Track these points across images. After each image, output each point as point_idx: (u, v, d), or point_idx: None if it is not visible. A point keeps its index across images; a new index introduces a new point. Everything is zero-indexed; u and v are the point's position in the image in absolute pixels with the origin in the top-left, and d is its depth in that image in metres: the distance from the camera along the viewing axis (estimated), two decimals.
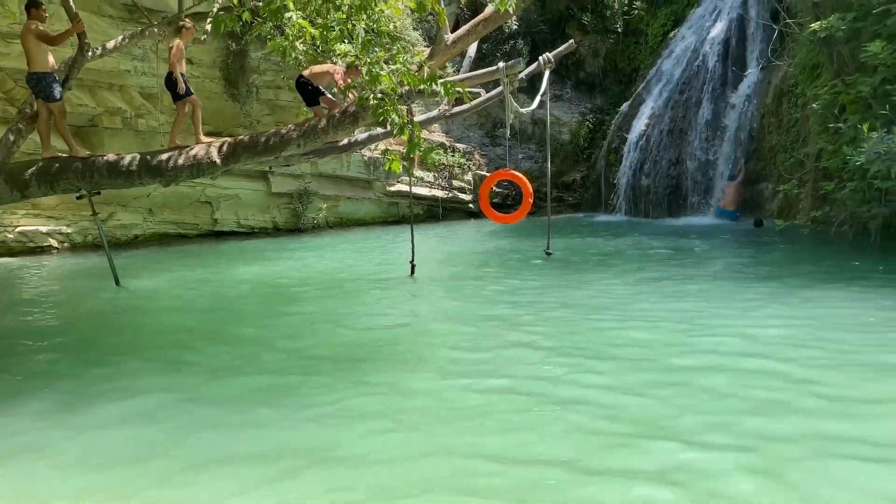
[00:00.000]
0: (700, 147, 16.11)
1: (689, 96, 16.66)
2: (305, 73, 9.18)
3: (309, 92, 9.01)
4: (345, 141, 9.75)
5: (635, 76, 19.05)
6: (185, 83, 8.79)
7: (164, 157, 7.66)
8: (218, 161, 7.68)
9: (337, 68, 9.03)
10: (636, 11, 18.66)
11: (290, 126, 7.93)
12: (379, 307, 7.63)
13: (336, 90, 9.11)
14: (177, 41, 8.71)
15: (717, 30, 16.75)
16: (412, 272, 9.40)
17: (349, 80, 8.41)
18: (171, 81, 8.72)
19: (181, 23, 9.03)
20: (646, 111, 17.31)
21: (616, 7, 18.58)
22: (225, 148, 7.77)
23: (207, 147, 7.82)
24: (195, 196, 14.85)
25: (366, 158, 16.72)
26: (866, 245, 10.53)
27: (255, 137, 7.98)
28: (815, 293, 7.61)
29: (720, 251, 11.51)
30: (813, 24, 10.95)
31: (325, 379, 4.97)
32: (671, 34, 18.26)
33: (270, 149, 7.84)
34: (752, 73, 15.80)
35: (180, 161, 7.66)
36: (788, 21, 13.05)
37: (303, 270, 10.51)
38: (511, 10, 5.73)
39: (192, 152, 7.74)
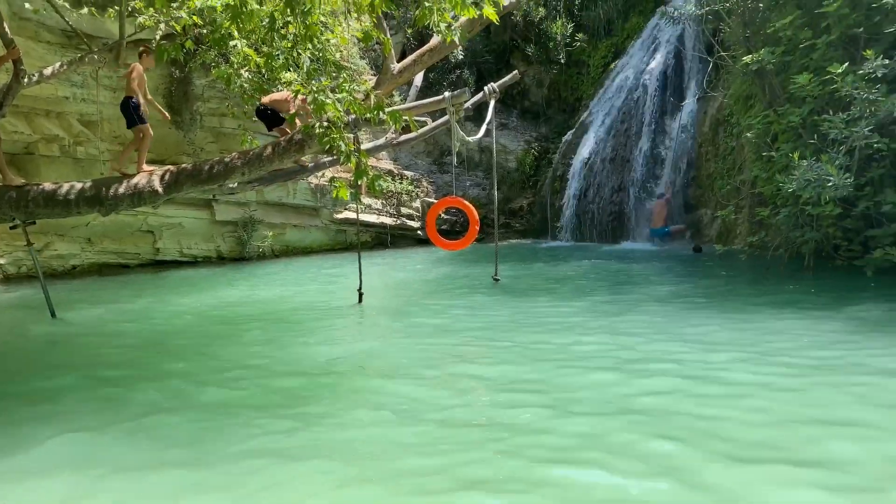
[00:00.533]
0: (641, 175, 16.54)
1: (630, 125, 17.13)
2: (265, 99, 9.19)
3: (269, 118, 9.04)
4: (291, 168, 9.70)
5: (578, 105, 19.50)
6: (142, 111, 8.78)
7: (104, 186, 7.48)
8: (160, 190, 7.55)
9: (289, 96, 9.06)
10: (578, 43, 19.16)
11: (234, 154, 7.85)
12: (324, 337, 7.55)
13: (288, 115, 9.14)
14: (136, 66, 8.65)
15: (656, 62, 17.31)
16: (359, 300, 9.34)
17: (305, 106, 8.45)
18: (128, 106, 8.64)
19: (141, 48, 8.99)
20: (589, 140, 17.71)
21: (559, 39, 19.04)
22: (167, 176, 7.64)
23: (149, 175, 7.68)
24: (136, 225, 14.50)
25: (312, 186, 16.62)
26: (800, 268, 10.92)
27: (198, 166, 7.86)
28: (752, 316, 7.84)
29: (661, 276, 11.78)
30: (745, 58, 11.42)
31: (259, 413, 4.88)
32: (612, 65, 18.78)
33: (214, 177, 7.74)
34: (690, 104, 16.35)
35: (121, 190, 7.50)
36: (722, 54, 13.59)
37: (247, 300, 10.34)
38: (456, 41, 5.83)
39: (133, 181, 7.59)
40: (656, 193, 16.05)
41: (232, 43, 7.40)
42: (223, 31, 7.13)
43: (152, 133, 9.09)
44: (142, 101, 8.75)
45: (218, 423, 4.67)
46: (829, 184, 8.91)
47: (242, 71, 7.40)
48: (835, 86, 9.62)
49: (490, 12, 5.66)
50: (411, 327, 7.98)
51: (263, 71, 7.92)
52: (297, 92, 6.59)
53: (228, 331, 8.06)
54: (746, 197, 13.62)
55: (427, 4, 5.32)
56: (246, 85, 8.74)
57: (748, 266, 11.87)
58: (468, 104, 9.37)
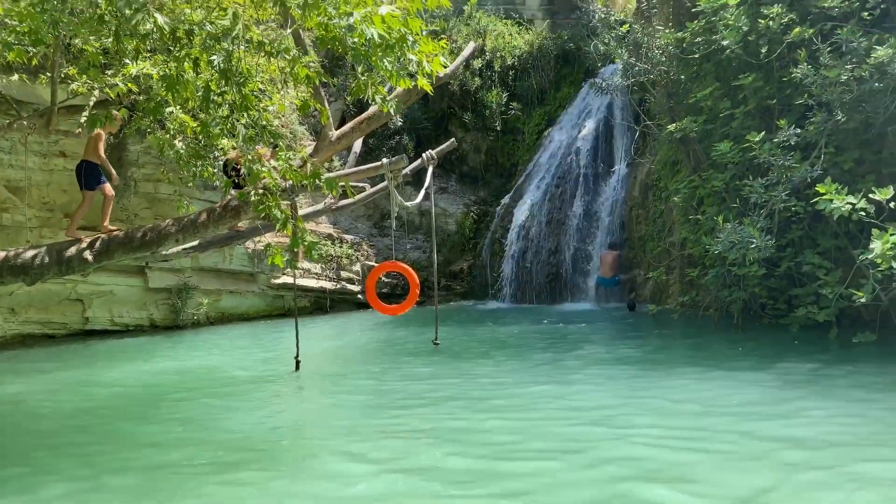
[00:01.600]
0: (576, 237, 16.96)
1: (564, 189, 17.64)
2: (231, 155, 9.21)
3: (233, 174, 9.10)
4: (226, 234, 9.60)
5: (515, 170, 19.99)
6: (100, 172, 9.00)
7: (30, 254, 7.25)
8: (90, 258, 7.36)
9: (264, 152, 9.18)
10: (513, 111, 19.79)
11: (168, 221, 7.74)
12: (261, 407, 7.37)
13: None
14: (100, 131, 8.78)
15: (587, 129, 18.00)
16: (297, 368, 9.17)
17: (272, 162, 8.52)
18: (85, 170, 8.84)
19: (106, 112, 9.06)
20: (526, 203, 18.12)
21: (494, 107, 19.63)
22: (98, 244, 7.47)
23: (79, 243, 7.49)
24: (65, 294, 14.00)
25: (249, 251, 16.42)
26: (729, 326, 11.28)
27: (130, 233, 7.72)
28: (683, 377, 8.02)
29: (598, 336, 11.99)
30: (670, 126, 12.01)
31: (190, 487, 4.71)
32: (545, 132, 19.42)
33: (147, 244, 7.60)
34: (620, 169, 16.98)
35: (48, 259, 7.27)
36: (648, 123, 14.23)
37: (180, 370, 10.03)
38: (392, 112, 5.97)
39: (62, 249, 7.38)
40: (607, 243, 16.34)
41: (168, 110, 7.39)
42: (159, 99, 7.13)
43: (111, 192, 9.35)
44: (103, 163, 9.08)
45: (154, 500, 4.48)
46: (753, 245, 9.33)
47: (177, 142, 7.36)
48: (753, 153, 10.17)
49: (424, 84, 5.82)
50: (348, 395, 7.88)
51: (200, 138, 7.91)
52: (275, 146, 6.63)
53: (159, 402, 7.79)
54: (676, 258, 14.09)
55: (363, 78, 5.45)
56: (182, 151, 8.70)
57: (681, 325, 12.19)
58: (406, 170, 9.51)
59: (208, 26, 5.71)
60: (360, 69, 5.45)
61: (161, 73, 6.33)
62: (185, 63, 6.19)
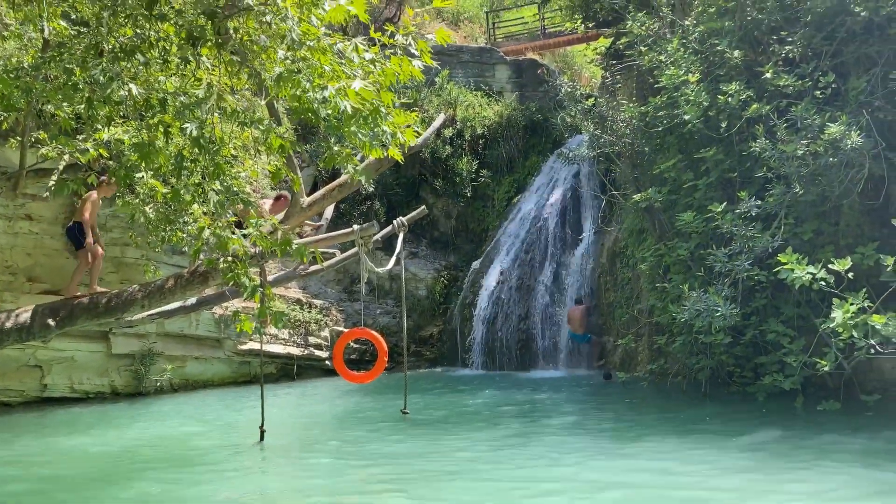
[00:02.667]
0: (546, 303, 17.05)
1: (534, 256, 17.83)
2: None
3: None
4: (193, 300, 9.49)
5: (485, 236, 20.20)
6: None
7: None
8: (52, 324, 7.21)
9: (261, 202, 9.33)
10: (483, 179, 20.13)
11: (134, 287, 7.66)
12: (222, 480, 7.16)
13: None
14: (93, 194, 8.94)
15: (555, 197, 18.34)
16: (261, 438, 8.94)
17: (273, 212, 8.63)
18: (74, 232, 8.93)
19: (102, 178, 9.19)
20: (496, 269, 18.24)
21: (465, 174, 19.96)
22: (61, 310, 7.33)
23: (41, 309, 7.34)
24: (23, 360, 13.59)
25: (216, 316, 16.20)
26: (698, 394, 11.32)
27: (95, 298, 7.62)
28: (650, 448, 7.99)
29: (569, 406, 11.94)
30: (635, 196, 12.29)
31: None
32: (515, 199, 19.75)
33: (112, 310, 7.49)
34: (587, 237, 17.25)
35: (7, 324, 7.11)
36: (614, 192, 14.56)
37: (140, 439, 9.72)
38: (363, 182, 6.05)
39: (21, 315, 7.23)
40: (575, 298, 16.38)
41: (138, 175, 7.40)
42: (129, 164, 7.14)
43: (101, 251, 9.36)
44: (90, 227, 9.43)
45: None
46: (718, 314, 9.47)
47: (147, 208, 7.36)
48: (716, 223, 10.43)
49: (396, 154, 5.94)
50: (312, 469, 7.69)
51: (170, 203, 7.90)
52: (276, 196, 6.66)
53: (114, 475, 7.52)
54: (644, 325, 14.20)
55: (335, 148, 5.54)
56: (152, 215, 8.66)
57: (650, 393, 12.19)
58: (377, 237, 9.57)
59: (182, 96, 5.79)
60: (331, 140, 5.55)
61: (133, 141, 6.37)
62: (158, 130, 6.25)
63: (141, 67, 6.00)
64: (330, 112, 5.54)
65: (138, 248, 14.26)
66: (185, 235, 8.99)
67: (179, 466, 7.88)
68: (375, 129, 5.72)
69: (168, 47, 6.19)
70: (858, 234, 9.95)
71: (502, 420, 10.51)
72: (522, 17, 26.28)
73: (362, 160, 7.91)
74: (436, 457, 8.03)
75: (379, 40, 5.70)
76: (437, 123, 9.89)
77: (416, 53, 5.75)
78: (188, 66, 5.99)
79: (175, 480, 7.12)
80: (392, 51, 5.76)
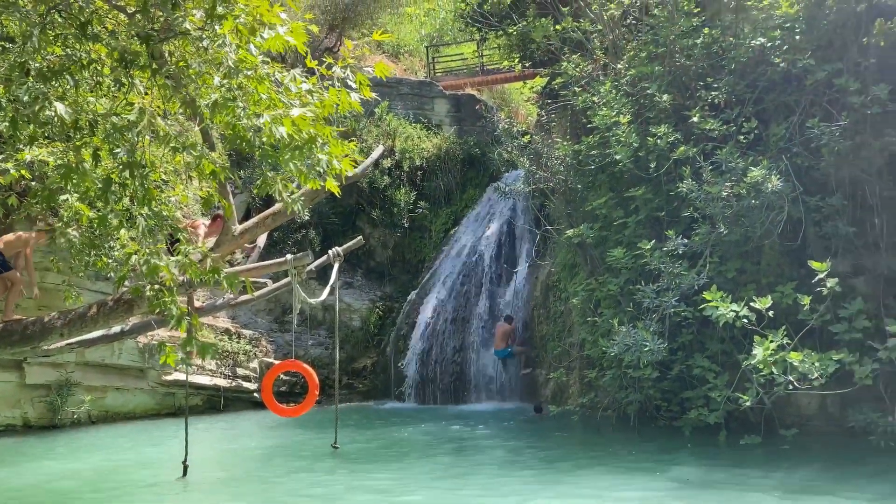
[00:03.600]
0: (480, 336, 17.11)
1: (469, 288, 17.91)
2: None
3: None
4: (116, 329, 9.13)
5: (421, 267, 20.20)
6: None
7: None
8: None
9: (198, 223, 9.11)
10: (420, 210, 20.21)
11: (54, 314, 7.32)
12: None
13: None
14: (32, 235, 8.80)
15: (491, 230, 18.55)
16: (184, 474, 8.60)
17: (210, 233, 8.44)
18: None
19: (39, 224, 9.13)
20: (431, 301, 18.23)
21: (402, 205, 19.99)
22: None
23: None
24: None
25: (140, 345, 15.61)
26: (627, 427, 11.49)
27: (10, 325, 7.24)
28: (577, 482, 8.07)
29: (500, 439, 11.94)
30: (568, 232, 12.54)
31: None
32: (452, 231, 19.87)
33: (28, 339, 7.13)
34: (522, 270, 17.46)
35: None
36: (549, 228, 14.82)
37: (54, 476, 9.22)
38: (298, 210, 5.98)
39: None
40: (504, 316, 16.47)
41: (62, 197, 7.14)
42: (53, 187, 6.90)
43: (20, 277, 9.06)
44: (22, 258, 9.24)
45: None
46: (646, 348, 9.69)
47: (70, 230, 7.09)
48: (645, 260, 10.73)
49: (332, 185, 5.91)
50: None
51: (95, 227, 7.64)
52: (213, 216, 6.49)
53: None
54: (576, 359, 14.39)
55: (270, 174, 5.48)
56: (75, 240, 8.35)
57: (581, 426, 12.32)
58: (311, 267, 9.44)
59: (114, 118, 5.63)
60: (266, 167, 5.48)
61: (58, 162, 6.15)
62: (85, 152, 6.05)
63: (70, 88, 5.83)
64: (265, 140, 5.49)
65: (59, 273, 13.67)
66: (110, 261, 8.71)
67: (97, 502, 7.49)
68: (311, 159, 5.69)
69: (100, 69, 6.04)
70: (779, 273, 10.39)
71: (435, 455, 10.43)
72: (462, 53, 26.74)
73: (299, 187, 7.83)
74: (368, 494, 7.89)
75: (317, 70, 5.71)
76: (375, 154, 9.87)
77: (355, 86, 5.77)
78: (121, 90, 5.85)
79: None
80: (331, 82, 5.77)
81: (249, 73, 5.40)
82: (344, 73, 5.68)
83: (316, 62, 5.63)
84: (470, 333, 17.28)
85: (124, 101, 5.94)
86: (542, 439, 11.60)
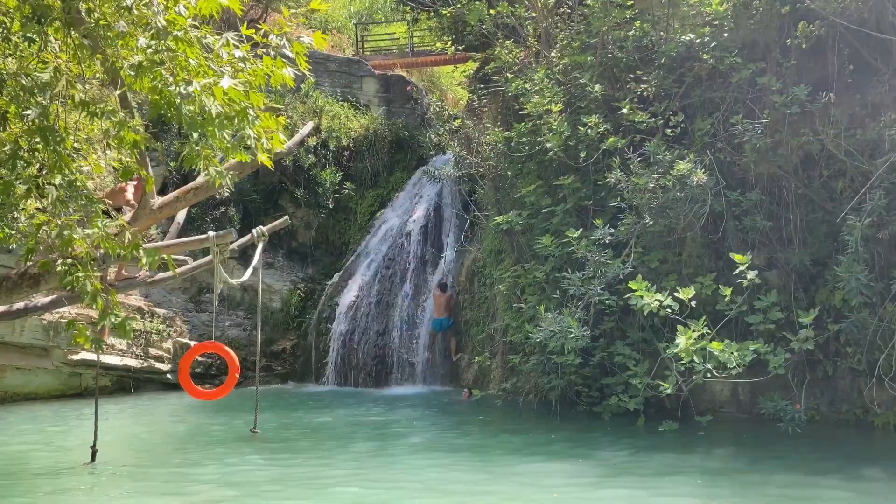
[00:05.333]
0: (404, 320, 17.01)
1: (395, 271, 17.76)
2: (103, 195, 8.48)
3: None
4: (20, 305, 8.54)
5: (345, 249, 19.88)
6: None
7: None
8: None
9: (125, 185, 8.60)
10: (346, 191, 19.85)
11: None
12: None
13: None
14: None
15: (418, 214, 18.41)
16: (92, 458, 8.15)
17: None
18: None
19: None
20: (355, 283, 17.99)
21: (327, 185, 19.58)
22: None
23: None
24: None
25: (45, 322, 14.76)
26: (548, 413, 11.62)
27: None
28: (497, 466, 8.12)
29: (422, 423, 11.91)
30: (497, 218, 12.55)
31: None
32: (378, 214, 19.62)
33: None
34: (449, 255, 17.43)
35: None
36: (477, 213, 14.82)
37: None
38: (226, 185, 5.68)
39: None
40: (440, 283, 16.37)
41: None
42: None
43: None
44: None
45: None
46: (571, 335, 9.80)
47: None
48: (572, 248, 10.85)
49: (265, 159, 5.64)
50: (148, 493, 7.09)
51: None
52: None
53: None
54: (499, 344, 14.49)
55: (196, 147, 5.16)
56: None
57: (503, 411, 12.40)
58: (234, 246, 9.08)
59: (24, 78, 5.18)
60: (193, 138, 5.16)
61: None
62: None
63: None
64: (192, 108, 5.17)
65: None
66: (12, 232, 8.09)
67: None
68: (240, 133, 5.41)
69: (8, 23, 5.55)
70: (699, 264, 10.70)
71: (356, 440, 10.27)
72: (392, 33, 26.36)
73: (223, 161, 7.48)
74: (286, 480, 7.68)
75: (251, 38, 5.42)
76: (304, 131, 9.57)
77: (291, 55, 5.51)
78: (32, 46, 5.39)
79: None
80: (265, 50, 5.48)
81: (178, 34, 5.08)
82: (280, 40, 5.40)
83: (252, 30, 5.33)
84: (394, 317, 17.14)
85: (36, 60, 5.48)
86: (465, 424, 11.62)
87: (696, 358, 8.02)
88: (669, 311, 8.57)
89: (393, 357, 16.79)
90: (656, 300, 8.40)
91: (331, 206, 19.89)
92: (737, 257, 8.26)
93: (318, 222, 20.21)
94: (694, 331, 8.06)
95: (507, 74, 13.24)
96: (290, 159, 19.22)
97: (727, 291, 8.72)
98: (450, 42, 15.72)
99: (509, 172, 13.40)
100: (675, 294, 8.46)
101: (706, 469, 7.72)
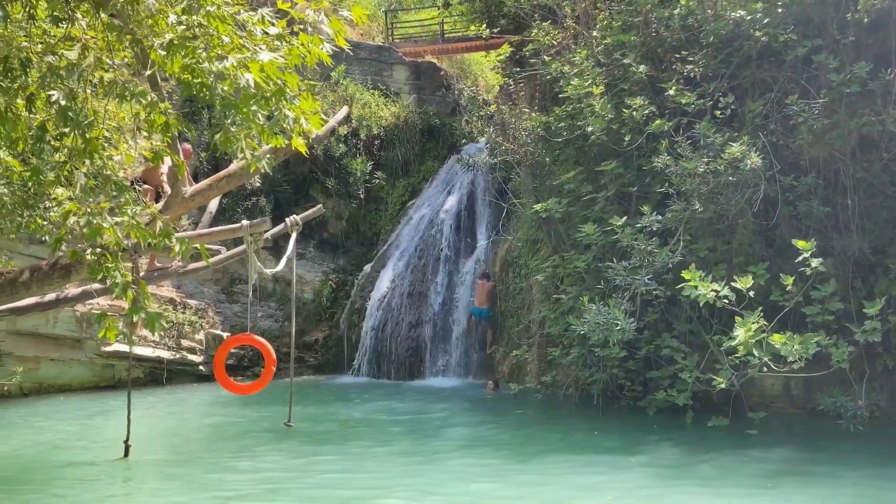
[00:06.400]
0: (438, 310, 16.69)
1: (427, 262, 17.44)
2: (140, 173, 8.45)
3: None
4: (52, 296, 8.37)
5: (377, 240, 19.61)
6: None
7: None
8: None
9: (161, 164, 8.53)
10: (377, 181, 19.55)
11: None
12: (78, 502, 6.22)
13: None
14: None
15: (450, 203, 18.06)
16: (126, 454, 7.95)
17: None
18: None
19: None
20: (387, 274, 17.72)
21: (358, 175, 19.29)
22: None
23: None
24: None
25: (78, 313, 14.70)
26: (590, 407, 11.21)
27: None
28: (545, 465, 7.75)
29: (460, 418, 11.58)
30: (536, 206, 12.12)
31: None
32: (409, 203, 19.30)
33: None
34: (482, 245, 17.06)
35: None
36: (515, 201, 14.40)
37: None
38: (263, 169, 5.36)
39: None
40: (481, 273, 16.02)
41: None
42: None
43: None
44: None
45: None
46: (618, 327, 9.37)
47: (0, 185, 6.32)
48: (616, 236, 10.39)
49: (299, 143, 5.32)
50: (182, 492, 6.85)
51: (29, 185, 6.90)
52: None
53: None
54: (536, 336, 14.09)
55: (232, 129, 4.85)
56: (6, 199, 7.53)
57: (542, 406, 12.03)
58: (268, 235, 8.80)
59: (51, 57, 4.91)
60: (229, 120, 4.84)
61: None
62: (17, 97, 5.31)
63: None
64: (226, 88, 4.86)
65: None
66: (45, 223, 7.90)
67: (29, 485, 6.82)
68: (277, 114, 5.09)
69: (35, 2, 5.28)
70: (750, 252, 10.20)
71: (392, 436, 9.98)
72: (421, 20, 25.94)
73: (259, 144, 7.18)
74: (322, 476, 7.41)
75: (287, 14, 5.09)
76: (339, 116, 9.26)
77: (329, 32, 5.18)
78: (58, 26, 5.12)
79: (24, 503, 6.12)
80: (301, 27, 5.15)
81: (211, 9, 4.76)
82: (318, 16, 5.06)
83: (288, 4, 5.00)
84: (427, 308, 16.84)
85: (64, 40, 5.21)
86: (503, 418, 11.28)
87: (756, 352, 7.54)
88: (726, 301, 8.08)
89: (426, 348, 16.49)
90: (713, 290, 7.92)
91: (362, 196, 19.62)
92: (800, 244, 7.76)
93: (348, 212, 19.95)
94: (753, 323, 7.59)
95: (545, 57, 12.79)
96: (320, 149, 18.97)
97: (789, 280, 8.22)
98: (484, 26, 15.29)
99: (547, 159, 12.96)
100: (733, 284, 7.96)
101: (768, 469, 7.28)
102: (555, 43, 12.93)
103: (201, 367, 16.82)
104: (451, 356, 16.20)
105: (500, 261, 16.48)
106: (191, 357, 16.80)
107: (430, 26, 24.92)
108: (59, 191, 6.45)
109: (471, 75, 24.61)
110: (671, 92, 10.53)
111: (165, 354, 16.24)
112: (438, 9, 22.72)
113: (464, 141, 19.64)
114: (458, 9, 20.59)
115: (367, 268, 18.48)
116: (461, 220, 17.75)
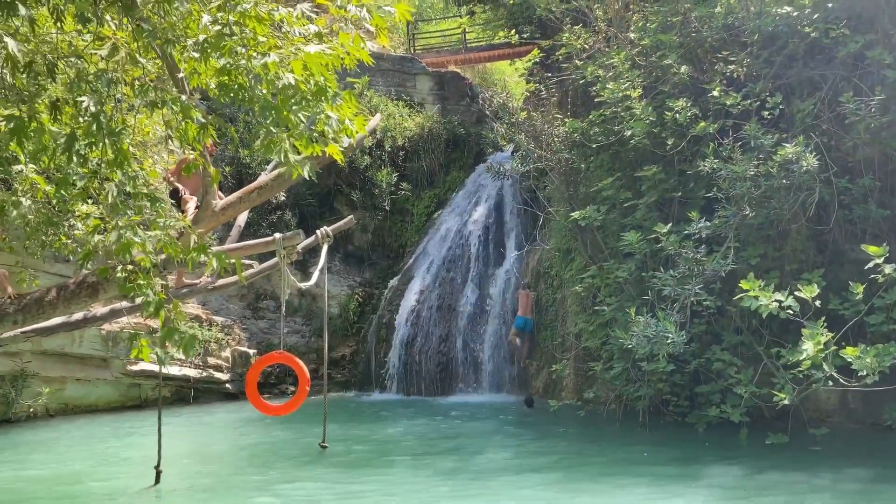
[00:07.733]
0: (468, 324, 16.25)
1: (455, 274, 17.03)
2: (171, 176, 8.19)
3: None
4: (79, 315, 8.07)
5: (403, 252, 19.27)
6: None
7: None
8: None
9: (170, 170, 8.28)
10: (402, 192, 19.23)
11: (5, 298, 6.28)
12: None
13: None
14: None
15: (478, 213, 17.67)
16: (157, 480, 7.58)
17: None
18: None
19: None
20: (415, 287, 17.32)
21: (384, 186, 18.99)
22: None
23: None
24: None
25: (104, 332, 14.44)
26: (634, 424, 10.70)
27: None
28: (598, 486, 7.26)
29: (497, 437, 11.11)
30: (574, 214, 11.69)
31: None
32: (435, 215, 18.93)
33: None
34: (512, 255, 16.62)
35: None
36: (549, 209, 13.96)
37: (5, 480, 8.13)
38: (306, 175, 4.99)
39: None
40: (524, 283, 15.54)
41: (16, 168, 6.12)
42: (5, 154, 5.86)
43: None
44: None
45: None
46: (669, 341, 8.88)
47: (24, 199, 6.02)
48: (660, 244, 9.92)
49: (335, 150, 4.96)
50: None
51: (53, 202, 6.63)
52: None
53: None
54: (571, 349, 13.59)
55: (274, 131, 4.49)
56: (30, 216, 7.25)
57: (583, 422, 11.51)
58: (300, 247, 8.46)
59: (79, 61, 4.60)
60: (269, 122, 4.49)
61: (6, 115, 5.06)
62: (42, 104, 5.01)
63: (23, 23, 4.76)
64: (265, 90, 4.53)
65: (13, 253, 12.42)
66: (69, 241, 7.58)
67: None
68: (321, 115, 4.73)
69: (61, 5, 4.98)
70: (803, 259, 9.70)
71: (428, 456, 9.53)
72: (442, 30, 25.70)
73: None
74: (363, 500, 7.01)
75: (326, 10, 4.75)
76: (373, 122, 8.88)
77: (372, 29, 4.84)
78: (87, 27, 4.81)
79: None
80: (341, 25, 4.81)
81: (247, 7, 4.43)
82: (360, 12, 4.70)
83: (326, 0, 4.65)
84: (457, 321, 16.39)
85: (91, 40, 4.89)
86: (544, 437, 10.80)
87: (825, 366, 7.03)
88: (790, 312, 7.57)
89: (457, 363, 16.04)
90: (776, 301, 7.42)
91: (387, 208, 19.31)
92: (871, 249, 7.25)
93: (374, 225, 19.64)
94: (820, 335, 7.08)
95: (577, 61, 12.40)
96: (345, 161, 18.73)
97: (859, 288, 7.69)
98: (513, 32, 14.94)
99: (582, 165, 12.53)
100: (798, 293, 7.45)
101: (845, 490, 6.75)
102: (586, 47, 12.55)
103: (228, 385, 16.50)
104: (484, 371, 15.73)
105: (531, 272, 16.03)
106: (217, 375, 16.49)
107: (452, 36, 24.68)
108: (84, 207, 6.13)
109: (496, 84, 24.31)
110: (715, 93, 10.09)
111: (192, 373, 15.94)
112: (460, 17, 22.49)
113: (490, 150, 19.29)
114: (481, 17, 20.33)
115: (394, 281, 18.11)
116: (490, 230, 17.35)
